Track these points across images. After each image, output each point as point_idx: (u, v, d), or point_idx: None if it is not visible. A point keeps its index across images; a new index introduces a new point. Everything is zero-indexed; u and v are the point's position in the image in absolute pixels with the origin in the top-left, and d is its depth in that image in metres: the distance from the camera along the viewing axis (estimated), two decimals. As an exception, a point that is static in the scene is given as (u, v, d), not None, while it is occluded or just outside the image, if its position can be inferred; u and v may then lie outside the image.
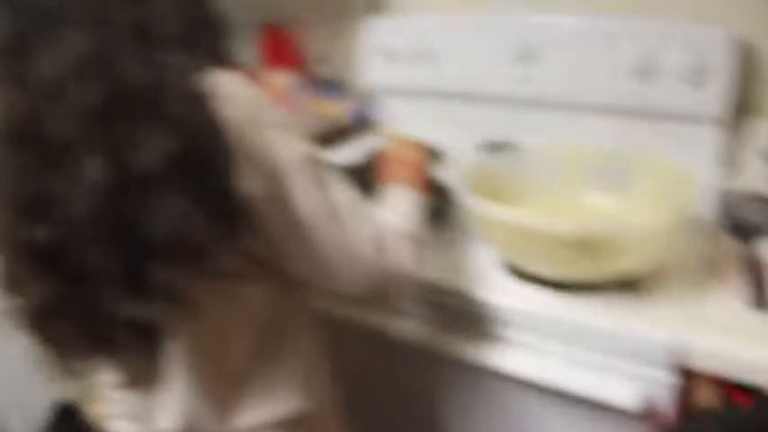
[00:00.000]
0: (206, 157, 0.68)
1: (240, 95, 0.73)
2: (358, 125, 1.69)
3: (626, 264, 0.91)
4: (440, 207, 1.14)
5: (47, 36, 0.68)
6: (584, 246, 0.86)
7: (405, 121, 1.64)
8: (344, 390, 0.95)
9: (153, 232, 0.67)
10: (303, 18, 1.82)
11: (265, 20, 1.82)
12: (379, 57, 1.61)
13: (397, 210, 0.87)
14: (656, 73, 1.27)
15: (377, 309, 1.03)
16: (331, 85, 1.78)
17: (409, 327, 1.04)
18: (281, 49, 1.83)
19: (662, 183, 1.02)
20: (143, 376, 0.84)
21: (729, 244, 1.00)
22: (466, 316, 0.98)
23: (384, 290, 0.83)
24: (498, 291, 0.96)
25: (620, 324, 0.88)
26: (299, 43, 1.86)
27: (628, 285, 0.94)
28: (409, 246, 0.83)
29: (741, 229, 0.99)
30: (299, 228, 0.77)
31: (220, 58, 0.77)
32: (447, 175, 1.17)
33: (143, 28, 0.69)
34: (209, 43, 0.77)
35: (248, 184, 0.72)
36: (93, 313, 0.73)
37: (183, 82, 0.69)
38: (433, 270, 1.00)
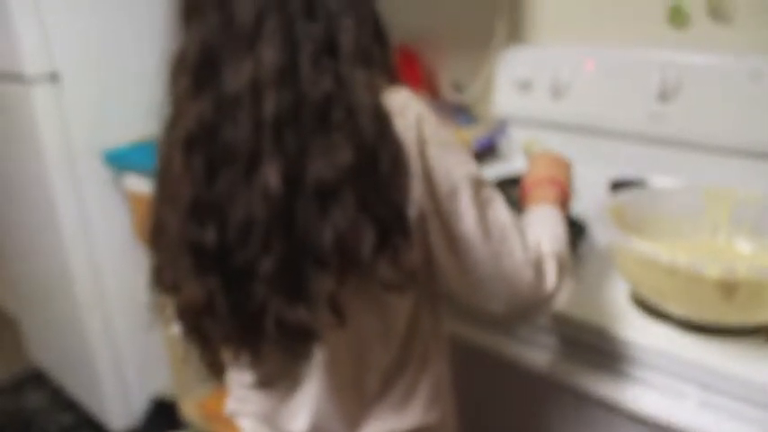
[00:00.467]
0: (380, 172, 0.72)
1: (414, 112, 0.76)
2: (485, 153, 1.72)
3: (766, 313, 0.90)
4: (573, 240, 1.15)
5: (238, 51, 0.73)
6: (729, 289, 0.86)
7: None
8: (467, 411, 0.97)
9: (321, 240, 0.71)
10: (439, 43, 1.88)
11: (400, 42, 1.89)
12: (514, 87, 1.64)
13: (546, 231, 0.88)
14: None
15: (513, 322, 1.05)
16: (462, 112, 1.83)
17: (538, 357, 1.04)
18: (414, 71, 1.89)
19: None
20: (282, 377, 0.89)
21: None
22: (597, 351, 0.98)
23: (533, 311, 0.85)
24: (632, 327, 0.95)
25: (755, 371, 0.85)
26: (433, 68, 1.92)
27: (762, 331, 0.92)
28: (560, 269, 0.84)
29: None
30: (461, 244, 0.79)
31: (392, 74, 0.82)
32: (580, 208, 1.18)
33: (330, 43, 0.74)
34: (383, 60, 0.81)
35: (417, 198, 0.75)
36: (249, 312, 0.77)
37: (366, 96, 0.73)
38: (566, 302, 1.01)
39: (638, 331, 0.95)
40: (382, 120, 0.73)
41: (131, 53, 1.96)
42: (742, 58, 1.34)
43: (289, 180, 0.71)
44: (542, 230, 0.88)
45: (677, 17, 1.45)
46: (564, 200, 0.99)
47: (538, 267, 0.82)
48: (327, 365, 0.86)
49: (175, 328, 0.86)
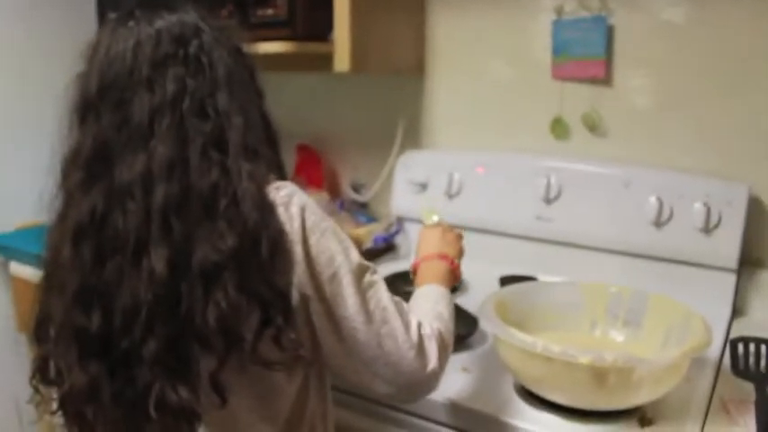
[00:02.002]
0: (262, 255, 0.75)
1: (298, 204, 0.81)
2: (382, 250, 1.77)
3: (635, 397, 0.95)
4: (463, 335, 1.19)
5: (132, 147, 0.77)
6: (600, 375, 0.91)
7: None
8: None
9: (205, 321, 0.73)
10: (341, 145, 1.97)
11: (304, 142, 1.96)
12: (410, 187, 1.72)
13: (429, 311, 0.91)
14: (672, 220, 1.37)
15: (402, 405, 1.05)
16: (362, 211, 1.89)
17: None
18: (316, 171, 1.95)
19: (674, 323, 1.07)
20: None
21: (739, 385, 1.04)
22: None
23: (417, 390, 0.86)
24: (517, 415, 0.99)
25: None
26: (334, 168, 1.99)
27: (633, 414, 0.97)
28: (441, 348, 0.86)
29: (750, 374, 1.03)
30: (344, 326, 0.81)
31: (279, 169, 0.87)
32: (469, 303, 1.23)
33: (218, 139, 0.79)
34: (271, 155, 0.86)
35: (299, 283, 0.78)
36: (132, 398, 0.77)
37: (251, 186, 0.77)
38: (455, 392, 1.04)
39: (522, 419, 0.98)
40: (265, 208, 0.78)
41: (25, 144, 1.92)
42: (616, 166, 1.47)
43: (174, 264, 0.74)
44: (425, 311, 0.91)
45: (558, 129, 1.58)
46: (452, 273, 1.03)
47: (420, 348, 0.84)
48: None
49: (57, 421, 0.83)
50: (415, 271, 1.05)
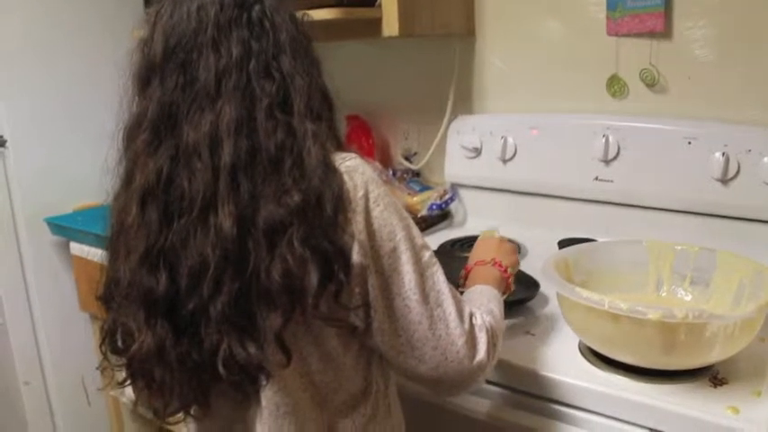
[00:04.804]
0: (325, 213, 0.76)
1: (363, 175, 0.81)
2: (437, 218, 1.75)
3: (707, 355, 0.92)
4: (524, 298, 1.18)
5: (198, 107, 0.78)
6: (670, 332, 0.88)
7: (483, 216, 1.70)
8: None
9: (270, 277, 0.74)
10: (391, 114, 1.95)
11: (354, 113, 1.95)
12: (463, 153, 1.70)
13: (481, 306, 0.90)
14: (740, 176, 1.32)
15: (439, 394, 1.01)
16: (415, 179, 1.87)
17: (490, 407, 1.04)
18: (367, 141, 1.94)
19: (745, 279, 1.03)
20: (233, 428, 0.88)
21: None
22: (548, 399, 0.99)
23: (461, 380, 0.85)
24: (581, 375, 0.97)
25: (702, 413, 0.87)
26: (385, 137, 1.98)
27: (705, 373, 0.95)
28: (491, 343, 0.85)
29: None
30: (398, 303, 0.81)
31: (336, 137, 0.87)
32: (528, 267, 1.21)
33: (283, 100, 0.80)
34: (329, 119, 0.86)
35: (361, 252, 0.78)
36: (200, 357, 0.78)
37: (315, 146, 0.78)
38: (518, 355, 1.03)
39: (589, 380, 0.96)
40: (328, 167, 0.78)
41: (83, 120, 1.96)
42: (677, 123, 1.42)
43: (241, 222, 0.75)
44: (477, 305, 0.90)
45: (615, 87, 1.53)
46: (505, 282, 1.01)
47: (470, 337, 0.83)
48: (280, 417, 0.84)
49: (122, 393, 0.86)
50: (466, 275, 1.03)
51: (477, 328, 0.84)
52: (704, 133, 1.37)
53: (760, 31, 1.35)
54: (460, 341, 0.82)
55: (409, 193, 1.76)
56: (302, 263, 0.74)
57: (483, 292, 0.95)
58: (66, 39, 1.95)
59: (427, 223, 1.72)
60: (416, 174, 1.91)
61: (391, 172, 1.87)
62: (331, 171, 0.78)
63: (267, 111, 0.78)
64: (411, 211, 1.68)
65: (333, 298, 0.77)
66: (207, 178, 0.75)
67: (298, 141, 0.78)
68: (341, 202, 0.77)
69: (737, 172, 1.32)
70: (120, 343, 0.85)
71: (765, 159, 1.28)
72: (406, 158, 1.93)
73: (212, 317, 0.75)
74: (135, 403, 0.88)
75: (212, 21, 0.79)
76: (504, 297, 0.99)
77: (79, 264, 1.91)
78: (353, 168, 0.81)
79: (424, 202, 1.72)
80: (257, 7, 0.82)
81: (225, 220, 0.74)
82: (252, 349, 0.76)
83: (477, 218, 1.73)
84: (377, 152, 1.94)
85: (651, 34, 1.46)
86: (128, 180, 0.83)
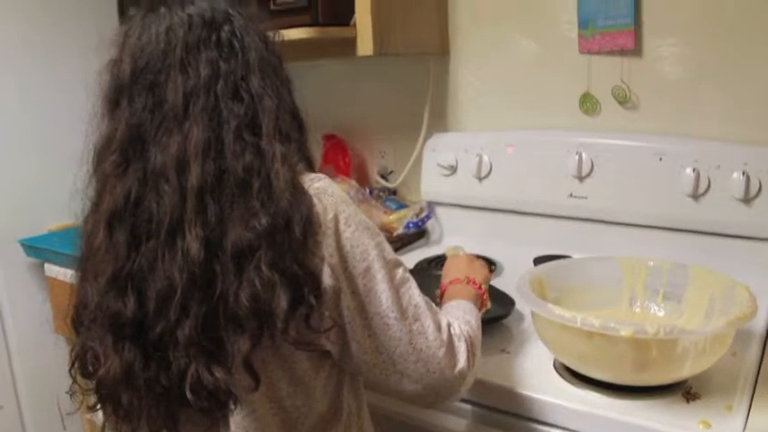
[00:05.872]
0: (293, 235, 0.75)
1: (332, 196, 0.81)
2: (413, 236, 1.75)
3: (680, 370, 0.92)
4: (499, 316, 1.18)
5: (166, 129, 0.77)
6: (642, 348, 0.88)
7: (459, 234, 1.70)
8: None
9: (238, 300, 0.73)
10: (367, 133, 1.95)
11: (330, 132, 1.95)
12: (439, 171, 1.70)
13: (458, 317, 0.90)
14: (710, 191, 1.33)
15: (425, 407, 1.03)
16: (391, 197, 1.87)
17: (463, 425, 1.04)
18: (344, 160, 1.94)
19: (717, 294, 1.04)
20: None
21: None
22: (523, 417, 0.98)
23: (445, 391, 0.84)
24: (556, 393, 0.97)
25: (675, 427, 0.87)
26: (362, 156, 1.98)
27: (678, 389, 0.95)
28: (471, 352, 0.86)
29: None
30: (376, 322, 0.81)
31: (307, 158, 0.86)
32: (503, 285, 1.21)
33: (252, 121, 0.79)
34: (299, 140, 0.85)
35: (334, 275, 0.78)
36: (168, 382, 0.77)
37: (283, 168, 0.77)
38: (493, 373, 1.02)
39: (562, 396, 0.96)
40: (297, 189, 0.78)
41: (57, 139, 1.93)
42: (649, 139, 1.43)
43: (209, 245, 0.74)
44: (455, 316, 0.91)
45: (588, 105, 1.55)
46: (480, 298, 1.02)
47: (449, 347, 0.83)
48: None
49: (96, 416, 0.84)
50: (441, 294, 1.03)
51: (455, 338, 0.85)
52: (675, 149, 1.39)
53: (728, 48, 1.38)
54: (440, 352, 0.82)
55: (386, 212, 1.76)
56: (271, 287, 0.73)
57: (459, 305, 0.95)
58: (37, 59, 1.93)
59: (404, 241, 1.72)
60: (393, 192, 1.91)
61: (368, 190, 1.86)
62: (300, 193, 0.77)
63: (235, 132, 0.77)
64: (387, 230, 1.68)
65: (303, 322, 0.76)
66: (174, 201, 0.75)
67: (266, 163, 0.77)
68: (310, 225, 0.77)
69: (708, 188, 1.34)
70: (89, 367, 0.84)
71: (735, 175, 1.30)
72: (383, 177, 1.93)
73: (180, 341, 0.74)
74: (102, 428, 0.87)
75: (181, 42, 0.79)
76: (481, 313, 0.99)
77: (54, 285, 1.89)
78: (322, 190, 0.80)
79: (400, 220, 1.72)
80: (226, 27, 0.82)
81: (192, 243, 0.73)
82: (219, 374, 0.75)
83: (453, 236, 1.73)
84: (353, 171, 1.94)
85: (622, 52, 1.48)
86: (97, 202, 0.82)
